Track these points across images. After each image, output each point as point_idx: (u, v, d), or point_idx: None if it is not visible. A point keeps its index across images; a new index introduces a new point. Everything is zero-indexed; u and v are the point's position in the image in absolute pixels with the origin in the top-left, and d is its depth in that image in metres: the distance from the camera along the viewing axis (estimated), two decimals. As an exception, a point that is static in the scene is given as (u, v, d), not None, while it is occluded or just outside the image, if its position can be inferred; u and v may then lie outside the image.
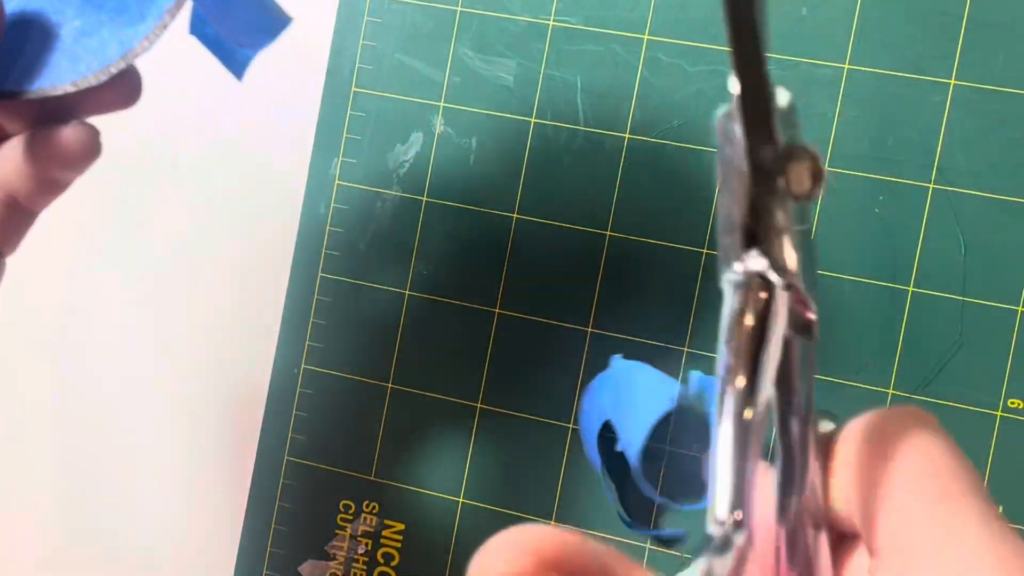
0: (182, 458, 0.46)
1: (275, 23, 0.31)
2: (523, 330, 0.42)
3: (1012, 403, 0.39)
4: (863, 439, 0.18)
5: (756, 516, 0.16)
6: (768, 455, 0.17)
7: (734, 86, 0.17)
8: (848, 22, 0.40)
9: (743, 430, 0.16)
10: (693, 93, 0.41)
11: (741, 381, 0.16)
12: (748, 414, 0.16)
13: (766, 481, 0.18)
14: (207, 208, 0.45)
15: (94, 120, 0.30)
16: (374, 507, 0.43)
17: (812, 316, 0.17)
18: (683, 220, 0.41)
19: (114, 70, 0.28)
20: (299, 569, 0.44)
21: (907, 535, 0.17)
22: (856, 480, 0.18)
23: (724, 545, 0.15)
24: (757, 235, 0.17)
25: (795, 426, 0.17)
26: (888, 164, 0.40)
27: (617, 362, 0.40)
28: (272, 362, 0.44)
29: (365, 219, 0.44)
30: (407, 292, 0.43)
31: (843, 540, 0.19)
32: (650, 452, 0.39)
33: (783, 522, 0.17)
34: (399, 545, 0.43)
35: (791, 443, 0.17)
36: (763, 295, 0.16)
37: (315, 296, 0.44)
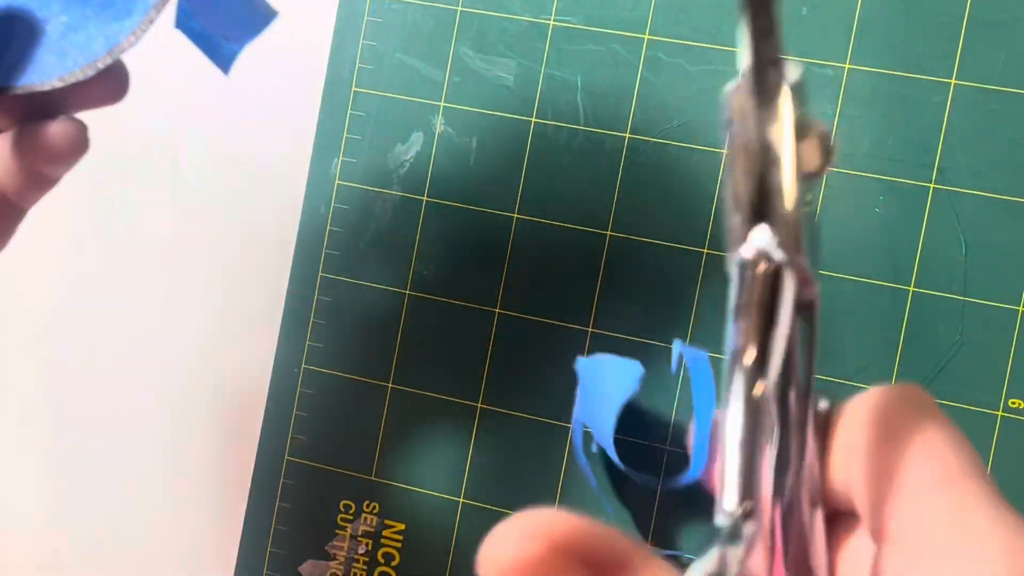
0: (182, 458, 0.46)
1: (261, 17, 0.31)
2: (523, 330, 0.42)
3: (1013, 403, 0.39)
4: (865, 419, 0.18)
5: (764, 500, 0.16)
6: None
7: (746, 59, 0.16)
8: (849, 22, 0.40)
9: (752, 413, 0.16)
10: (694, 93, 0.41)
11: (750, 359, 0.16)
12: (759, 390, 0.16)
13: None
14: (207, 208, 0.45)
15: (82, 115, 0.30)
16: (374, 507, 0.43)
17: (815, 294, 0.17)
18: (683, 220, 0.41)
19: (101, 65, 0.28)
20: (299, 569, 0.44)
21: (912, 519, 0.16)
22: (857, 460, 0.18)
23: (734, 535, 0.15)
24: (764, 213, 0.17)
25: (794, 404, 0.17)
26: (888, 164, 0.40)
27: (580, 363, 0.40)
28: (272, 362, 0.44)
29: (365, 219, 0.44)
30: (407, 292, 0.43)
31: (836, 519, 0.19)
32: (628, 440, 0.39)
33: (779, 499, 0.17)
34: (399, 545, 0.43)
35: (789, 421, 0.17)
36: (770, 273, 0.16)
37: (315, 296, 0.44)
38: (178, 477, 0.46)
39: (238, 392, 0.45)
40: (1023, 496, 0.39)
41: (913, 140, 0.39)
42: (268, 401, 0.44)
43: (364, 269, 0.44)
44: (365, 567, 0.43)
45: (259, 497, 0.44)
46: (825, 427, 0.19)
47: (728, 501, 0.16)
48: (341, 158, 0.44)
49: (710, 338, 0.41)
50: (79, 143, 0.29)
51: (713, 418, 0.26)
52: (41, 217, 0.47)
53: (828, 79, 0.40)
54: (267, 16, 0.31)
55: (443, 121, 0.43)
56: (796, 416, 0.17)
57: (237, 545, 0.45)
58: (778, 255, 0.16)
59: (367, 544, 0.43)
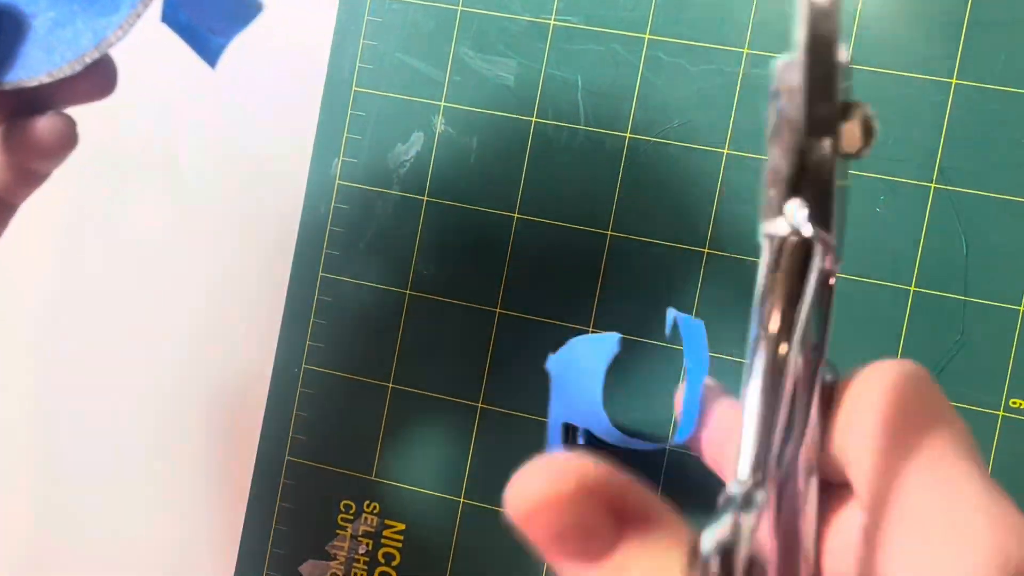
0: (182, 458, 0.46)
1: (247, 10, 0.31)
2: (524, 330, 0.42)
3: (1014, 403, 0.39)
4: (870, 393, 0.18)
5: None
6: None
7: (801, 35, 0.16)
8: (849, 22, 0.40)
9: (773, 385, 0.16)
10: (694, 92, 0.41)
11: (775, 327, 0.16)
12: (782, 363, 0.16)
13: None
14: (207, 207, 0.45)
15: (72, 111, 0.30)
16: (375, 507, 0.43)
17: (836, 271, 0.17)
18: (684, 220, 0.41)
19: (88, 60, 0.28)
20: (300, 569, 0.44)
21: (903, 490, 0.17)
22: (857, 432, 0.18)
23: (747, 502, 0.15)
24: (800, 188, 0.17)
25: (803, 375, 0.17)
26: (889, 164, 0.40)
27: (552, 360, 0.39)
28: (272, 362, 0.44)
29: (366, 219, 0.44)
30: (408, 292, 0.43)
31: (827, 490, 0.19)
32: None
33: (778, 467, 0.17)
34: (400, 545, 0.43)
35: (796, 390, 0.17)
36: (801, 250, 0.17)
37: (316, 296, 0.44)
38: (178, 477, 0.46)
39: (238, 392, 0.45)
40: (1023, 495, 0.39)
41: (914, 140, 0.39)
42: (268, 401, 0.44)
43: (364, 269, 0.44)
44: (365, 567, 0.43)
45: (259, 497, 0.44)
46: (828, 398, 0.19)
47: (743, 470, 0.16)
48: (341, 158, 0.44)
49: (711, 337, 0.41)
50: (68, 138, 0.29)
51: (704, 384, 0.26)
52: (41, 217, 0.47)
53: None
54: (253, 9, 0.32)
55: (443, 121, 0.43)
56: (804, 386, 0.17)
57: (237, 545, 0.45)
58: (809, 230, 0.17)
59: (367, 544, 0.43)
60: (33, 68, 0.29)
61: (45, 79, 0.28)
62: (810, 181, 0.17)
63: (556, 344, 0.42)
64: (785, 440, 0.17)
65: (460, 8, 0.43)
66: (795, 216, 0.17)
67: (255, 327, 0.45)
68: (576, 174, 0.42)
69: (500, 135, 0.42)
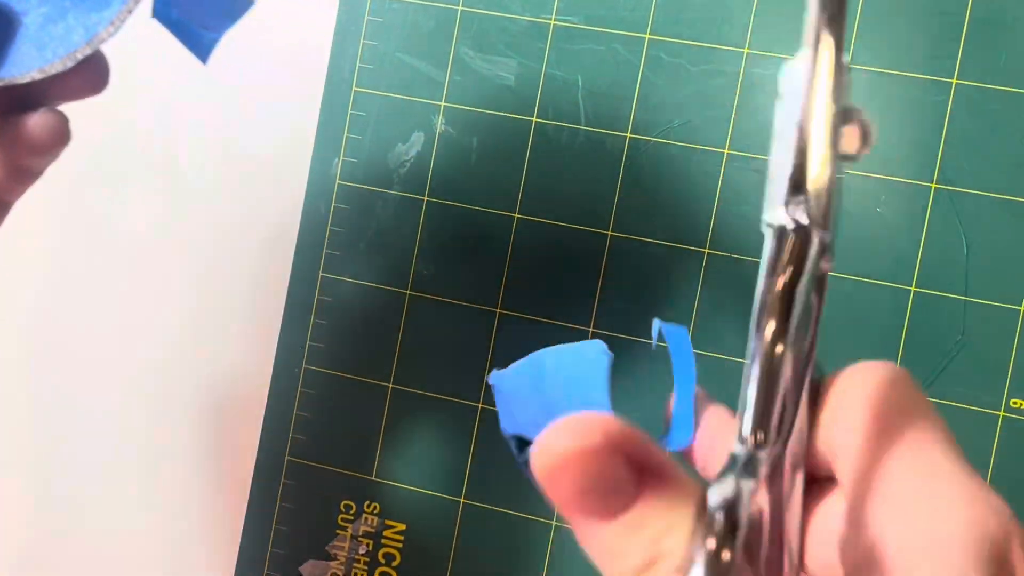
0: (182, 458, 0.46)
1: (238, 5, 0.31)
2: (524, 330, 0.42)
3: (1014, 403, 0.39)
4: (853, 390, 0.19)
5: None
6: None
7: (808, 39, 0.18)
8: (850, 21, 0.40)
9: (773, 361, 0.17)
10: (694, 93, 0.41)
11: (775, 317, 0.18)
12: (779, 348, 0.17)
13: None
14: (207, 208, 0.45)
15: (65, 107, 0.30)
16: (375, 507, 0.43)
17: (829, 269, 0.19)
18: (685, 220, 0.41)
19: (80, 56, 0.28)
20: (300, 569, 0.44)
21: (885, 473, 0.18)
22: (841, 426, 0.19)
23: (749, 462, 0.17)
24: (800, 185, 0.18)
25: (794, 365, 0.19)
26: (890, 163, 0.40)
27: (497, 378, 0.39)
28: (273, 362, 0.44)
29: (366, 219, 0.44)
30: (408, 292, 0.43)
31: (813, 484, 0.20)
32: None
33: (768, 460, 0.18)
34: (400, 545, 0.43)
35: (785, 386, 0.18)
36: (799, 241, 0.18)
37: (316, 296, 0.44)
38: (178, 477, 0.46)
39: (238, 392, 0.45)
40: (1023, 495, 0.39)
41: (914, 140, 0.39)
42: (268, 401, 0.44)
43: (365, 269, 0.44)
44: (366, 567, 0.43)
45: (260, 497, 0.44)
46: (815, 396, 0.20)
47: (745, 427, 0.17)
48: (342, 158, 0.44)
49: (712, 337, 0.41)
50: (60, 135, 0.29)
51: (694, 392, 0.27)
52: (41, 217, 0.47)
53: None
54: (244, 4, 0.32)
55: (444, 121, 0.43)
56: (793, 384, 0.19)
57: (238, 545, 0.45)
58: (806, 225, 0.18)
59: (368, 544, 0.43)
60: (25, 64, 0.29)
61: (37, 75, 0.28)
62: (811, 179, 0.18)
63: (557, 343, 0.42)
64: (783, 409, 0.18)
65: (460, 8, 0.43)
66: (795, 211, 0.18)
67: (255, 327, 0.45)
68: (576, 174, 0.42)
69: (500, 135, 0.42)
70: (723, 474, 0.17)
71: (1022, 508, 0.39)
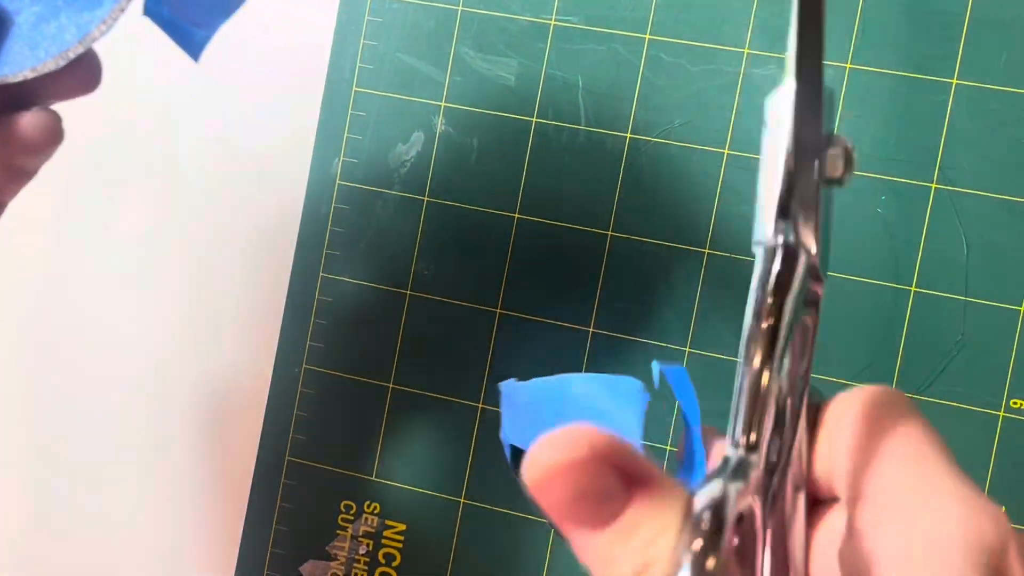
0: (182, 458, 0.46)
1: (230, 2, 0.31)
2: (524, 330, 0.42)
3: (1014, 403, 0.39)
4: (850, 411, 0.20)
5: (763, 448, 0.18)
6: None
7: (791, 75, 0.19)
8: (850, 22, 0.40)
9: (762, 371, 0.18)
10: (695, 93, 0.41)
11: (764, 334, 0.18)
12: (767, 361, 0.18)
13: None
14: (207, 208, 0.45)
15: (71, 110, 0.30)
16: (375, 507, 0.43)
17: (821, 291, 0.19)
18: (685, 220, 0.41)
19: (72, 55, 0.28)
20: (300, 569, 0.44)
21: (883, 484, 0.18)
22: (840, 447, 0.20)
23: (739, 467, 0.17)
24: (789, 210, 0.19)
25: (790, 395, 0.19)
26: (890, 164, 0.40)
27: (512, 388, 0.39)
28: (273, 362, 0.44)
29: (366, 219, 0.44)
30: (408, 292, 0.43)
31: (816, 504, 0.21)
32: None
33: (768, 482, 0.19)
34: (400, 545, 0.43)
35: (784, 410, 0.19)
36: (788, 263, 0.19)
37: (316, 296, 0.44)
38: (178, 477, 0.46)
39: (239, 392, 0.45)
40: (1023, 495, 0.39)
41: (915, 140, 0.39)
42: (269, 401, 0.44)
43: (365, 269, 0.44)
44: (366, 567, 0.43)
45: (260, 497, 0.44)
46: (813, 419, 0.20)
47: (737, 430, 0.18)
48: (342, 158, 0.44)
49: (712, 338, 0.41)
50: (54, 134, 0.29)
51: (703, 428, 0.28)
52: (40, 217, 0.47)
53: (829, 79, 0.40)
54: (236, 1, 0.32)
55: (444, 121, 0.43)
56: (791, 406, 0.19)
57: (238, 545, 0.45)
58: (795, 248, 0.19)
59: (368, 544, 0.43)
60: (17, 64, 0.29)
61: (29, 75, 0.29)
62: (797, 203, 0.19)
63: (556, 344, 0.42)
64: (772, 445, 0.19)
65: (460, 8, 0.43)
66: (783, 235, 0.19)
67: (255, 327, 0.45)
68: (577, 174, 0.42)
69: (501, 135, 0.42)
70: (712, 477, 0.17)
71: (1022, 508, 0.39)
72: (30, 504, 0.47)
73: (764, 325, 0.18)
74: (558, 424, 0.36)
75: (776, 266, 0.19)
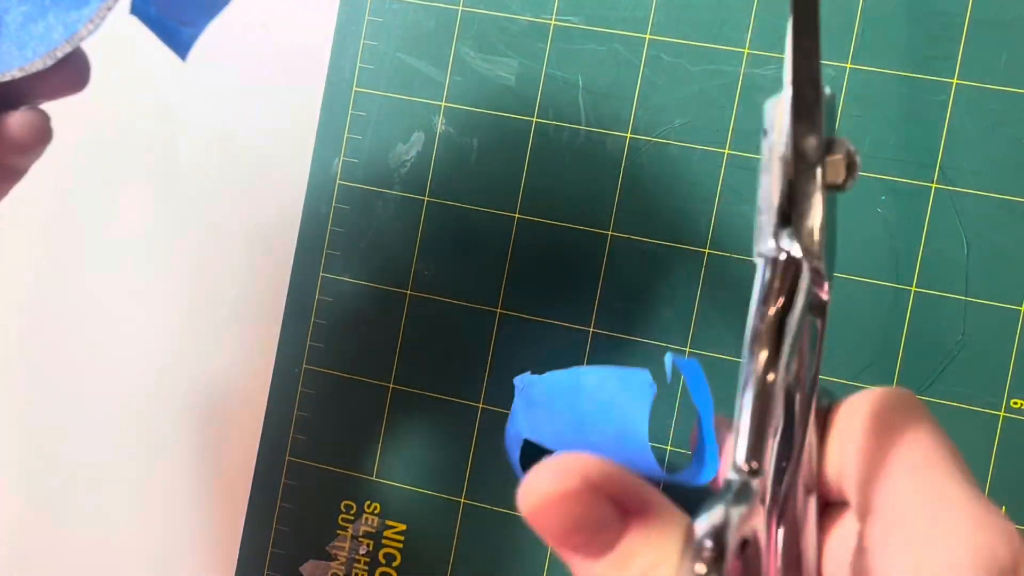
0: (183, 458, 0.46)
1: (216, 1, 0.31)
2: (524, 330, 0.42)
3: (1015, 403, 0.39)
4: (861, 414, 0.19)
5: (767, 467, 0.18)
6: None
7: (788, 80, 0.18)
8: (850, 22, 0.40)
9: (765, 389, 0.18)
10: (695, 92, 0.41)
11: (766, 346, 0.18)
12: (771, 377, 0.18)
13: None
14: (209, 208, 0.45)
15: (66, 109, 0.30)
16: (375, 507, 0.43)
17: (826, 297, 0.19)
18: (685, 220, 0.41)
19: (60, 54, 0.29)
20: (300, 569, 0.44)
21: (894, 495, 0.18)
22: (851, 450, 0.19)
23: (741, 491, 0.17)
24: (791, 217, 0.19)
25: (799, 398, 0.19)
26: (890, 164, 0.40)
27: (527, 382, 0.39)
28: (273, 362, 0.44)
29: (366, 219, 0.44)
30: (408, 292, 0.43)
31: (827, 507, 0.20)
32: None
33: (778, 485, 0.18)
34: (401, 545, 0.43)
35: (793, 413, 0.19)
36: (791, 272, 0.18)
37: (316, 296, 0.44)
38: (179, 477, 0.46)
39: (239, 392, 0.45)
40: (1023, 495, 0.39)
41: (915, 140, 0.39)
42: (269, 401, 0.44)
43: (365, 269, 0.44)
44: (366, 567, 0.43)
45: (260, 497, 0.44)
46: (824, 421, 0.20)
47: (739, 456, 0.17)
48: (342, 158, 0.44)
49: (712, 338, 0.41)
50: (42, 133, 0.29)
51: (715, 420, 0.28)
52: (41, 217, 0.47)
53: (829, 79, 0.40)
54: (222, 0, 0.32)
55: (444, 121, 0.43)
56: (800, 409, 0.19)
57: (237, 545, 0.45)
58: (798, 256, 0.18)
59: (368, 544, 0.43)
60: (5, 63, 0.29)
61: (18, 74, 0.29)
62: (799, 210, 0.19)
63: (557, 343, 0.42)
64: (782, 453, 0.18)
65: (461, 8, 0.43)
66: (785, 243, 0.19)
67: (256, 327, 0.45)
68: (577, 174, 0.42)
69: (501, 135, 0.42)
70: (713, 502, 0.17)
71: (1022, 508, 0.39)
72: (28, 504, 0.47)
73: (765, 344, 0.18)
74: (572, 417, 0.37)
75: (777, 279, 0.18)
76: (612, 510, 0.17)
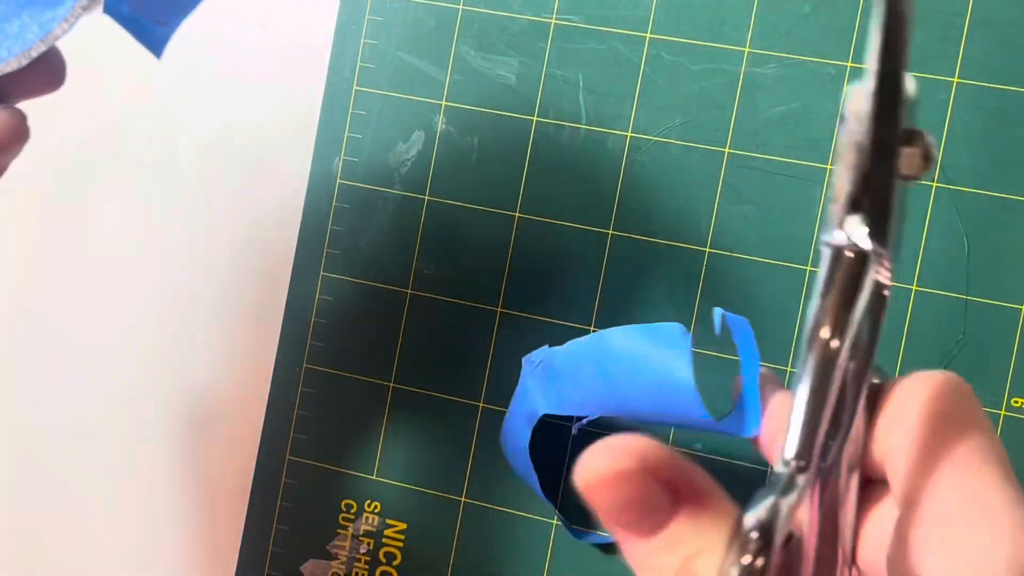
0: (183, 457, 0.46)
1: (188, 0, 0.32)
2: (525, 329, 0.42)
3: (1015, 402, 0.39)
4: (913, 399, 0.20)
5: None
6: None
7: (873, 70, 0.19)
8: (851, 20, 0.40)
9: (823, 384, 0.18)
10: (695, 91, 0.41)
11: (827, 333, 0.18)
12: (830, 370, 0.18)
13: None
14: (209, 207, 0.45)
15: (25, 105, 0.30)
16: (376, 506, 0.43)
17: (889, 283, 0.19)
18: (686, 219, 0.41)
19: (35, 53, 0.29)
20: (301, 568, 0.44)
21: (936, 491, 0.18)
22: (898, 434, 0.20)
23: (790, 485, 0.17)
24: (863, 205, 0.19)
25: (852, 377, 0.19)
26: (891, 163, 0.40)
27: (547, 355, 0.39)
28: (274, 361, 0.44)
29: (367, 218, 0.44)
30: (409, 291, 0.43)
31: (866, 486, 0.21)
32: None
33: (824, 460, 0.18)
34: (401, 545, 0.43)
35: (845, 391, 0.19)
36: (857, 262, 0.18)
37: (317, 295, 0.44)
38: (179, 476, 0.46)
39: (239, 391, 0.45)
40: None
41: (915, 139, 0.39)
42: (269, 400, 0.44)
43: (365, 268, 0.44)
44: (367, 567, 0.43)
45: (261, 496, 0.44)
46: (874, 401, 0.20)
47: (788, 451, 0.18)
48: (342, 157, 0.44)
49: (712, 337, 0.41)
50: (18, 132, 0.30)
51: (760, 375, 0.28)
52: (40, 217, 0.47)
53: (830, 77, 0.40)
54: None
55: (444, 120, 0.43)
56: (852, 388, 0.19)
57: (238, 545, 0.45)
58: (867, 245, 0.18)
59: (369, 544, 0.43)
60: None
61: None
62: (871, 199, 0.19)
63: (557, 342, 0.42)
64: (830, 432, 0.18)
65: (461, 7, 0.43)
66: (854, 230, 0.19)
67: (256, 326, 0.45)
68: (577, 173, 0.42)
69: (501, 134, 0.42)
70: (763, 496, 0.17)
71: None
72: (26, 503, 0.47)
73: (827, 335, 0.18)
74: (601, 380, 0.37)
75: (843, 268, 0.18)
76: (665, 493, 0.18)
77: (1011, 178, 0.39)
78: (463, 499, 0.43)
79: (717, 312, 0.35)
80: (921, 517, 0.18)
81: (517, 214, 0.42)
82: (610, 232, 0.42)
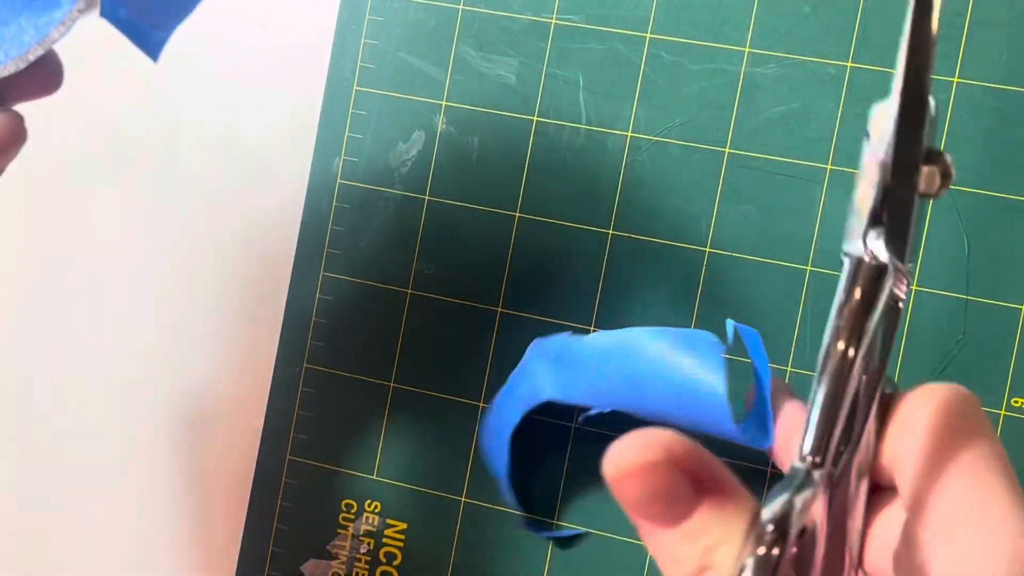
0: (183, 457, 0.46)
1: (186, 3, 0.32)
2: (525, 329, 0.42)
3: (1016, 402, 0.39)
4: (923, 409, 0.20)
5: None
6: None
7: (898, 90, 0.19)
8: (851, 20, 0.40)
9: (839, 388, 0.19)
10: (696, 91, 0.41)
11: (844, 344, 0.19)
12: (846, 375, 0.19)
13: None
14: (209, 207, 0.45)
15: (22, 107, 0.30)
16: (376, 506, 0.43)
17: (904, 296, 0.20)
18: (686, 219, 0.41)
19: (32, 57, 0.29)
20: (301, 568, 0.44)
21: (942, 496, 0.19)
22: (908, 441, 0.20)
23: (805, 480, 0.18)
24: (883, 220, 0.20)
25: (865, 386, 0.20)
26: (891, 163, 0.40)
27: (564, 341, 0.39)
28: (274, 360, 0.44)
29: (367, 218, 0.44)
30: (409, 291, 0.43)
31: (878, 491, 0.22)
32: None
33: (835, 467, 0.19)
34: (401, 544, 0.43)
35: (858, 399, 0.20)
36: (876, 274, 0.19)
37: (317, 295, 0.44)
38: (179, 476, 0.46)
39: (239, 391, 0.45)
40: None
41: (915, 139, 0.39)
42: (269, 400, 0.44)
43: (366, 268, 0.44)
44: (367, 566, 0.43)
45: (261, 496, 0.44)
46: (885, 410, 0.21)
47: (805, 447, 0.18)
48: (343, 157, 0.44)
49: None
50: (15, 135, 0.30)
51: (772, 384, 0.29)
52: (40, 217, 0.47)
53: (830, 77, 0.40)
54: (192, 1, 0.32)
55: (445, 120, 0.43)
56: (864, 399, 0.20)
57: (238, 545, 0.45)
58: (884, 258, 0.19)
59: (369, 543, 0.43)
60: None
61: None
62: (891, 215, 0.20)
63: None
64: (842, 439, 0.19)
65: (461, 7, 0.43)
66: (873, 243, 0.19)
67: (256, 326, 0.45)
68: (577, 173, 0.42)
69: (501, 134, 0.42)
70: (780, 490, 0.18)
71: None
72: (25, 503, 0.47)
73: (845, 343, 0.19)
74: (625, 377, 0.37)
75: (862, 279, 0.19)
76: (689, 485, 0.18)
77: (1011, 178, 0.39)
78: (463, 499, 0.43)
79: (729, 323, 0.35)
80: (928, 519, 0.19)
81: (517, 214, 0.42)
82: (610, 232, 0.42)
